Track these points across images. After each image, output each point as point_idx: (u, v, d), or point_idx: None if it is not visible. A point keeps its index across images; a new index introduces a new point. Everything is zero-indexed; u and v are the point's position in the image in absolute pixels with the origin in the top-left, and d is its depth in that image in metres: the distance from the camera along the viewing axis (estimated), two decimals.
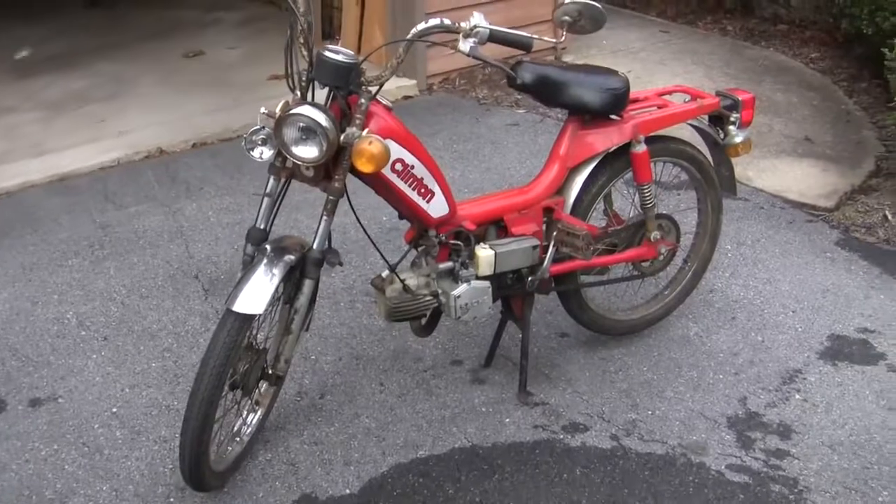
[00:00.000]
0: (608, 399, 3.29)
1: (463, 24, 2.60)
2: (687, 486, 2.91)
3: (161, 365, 3.48)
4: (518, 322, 3.29)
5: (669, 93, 3.39)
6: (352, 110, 2.61)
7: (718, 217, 3.56)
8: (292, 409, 3.24)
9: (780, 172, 5.03)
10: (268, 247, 2.68)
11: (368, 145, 2.50)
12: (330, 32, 6.89)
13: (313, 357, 3.52)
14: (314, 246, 2.69)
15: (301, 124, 2.52)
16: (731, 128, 3.32)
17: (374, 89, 2.63)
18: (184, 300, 3.88)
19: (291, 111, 2.53)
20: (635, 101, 3.27)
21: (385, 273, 2.98)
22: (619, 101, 3.05)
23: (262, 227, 2.73)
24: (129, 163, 5.16)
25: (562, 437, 3.12)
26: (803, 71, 6.52)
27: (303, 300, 2.72)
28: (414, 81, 6.25)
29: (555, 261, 3.16)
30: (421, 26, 2.63)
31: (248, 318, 2.56)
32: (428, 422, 3.19)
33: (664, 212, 3.47)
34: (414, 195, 2.80)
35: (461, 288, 2.97)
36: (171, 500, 2.87)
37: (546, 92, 3.04)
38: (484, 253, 2.97)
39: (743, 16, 7.63)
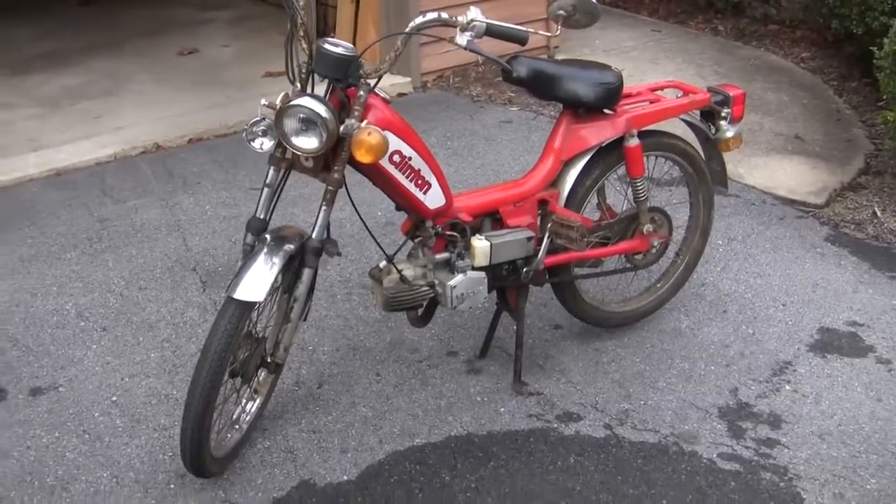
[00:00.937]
0: (601, 389, 3.34)
1: (460, 18, 2.65)
2: (679, 473, 2.96)
3: (160, 355, 3.52)
4: (513, 313, 3.33)
5: (662, 88, 3.45)
6: (351, 102, 2.66)
7: (710, 211, 3.61)
8: (290, 399, 3.28)
9: (770, 169, 5.09)
10: (268, 236, 2.72)
11: (367, 136, 2.55)
12: (325, 30, 6.94)
13: (311, 348, 3.56)
14: (313, 235, 2.73)
15: (301, 115, 2.57)
16: (723, 123, 3.38)
17: (372, 82, 2.67)
18: (182, 292, 3.92)
19: (292, 102, 2.57)
20: (628, 95, 3.32)
21: (382, 264, 3.03)
22: (612, 95, 3.11)
23: (262, 216, 2.77)
24: (126, 158, 5.20)
25: (556, 425, 3.17)
26: (794, 70, 6.59)
27: (302, 289, 2.77)
28: (408, 79, 6.30)
29: (549, 252, 3.21)
30: (419, 20, 2.68)
31: (248, 306, 2.61)
32: (424, 411, 3.23)
33: (656, 205, 3.52)
34: (411, 186, 2.84)
35: (457, 278, 3.01)
36: (172, 486, 2.91)
37: (541, 86, 3.09)
38: (480, 244, 3.02)
39: (734, 16, 7.69)
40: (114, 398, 3.30)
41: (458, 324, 3.68)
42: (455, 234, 3.02)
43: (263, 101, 2.70)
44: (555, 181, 3.21)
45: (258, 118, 2.71)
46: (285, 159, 2.74)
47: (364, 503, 2.85)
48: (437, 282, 3.05)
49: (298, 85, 2.69)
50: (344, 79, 2.62)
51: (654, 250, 3.47)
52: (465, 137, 5.51)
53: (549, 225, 3.15)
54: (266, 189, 2.77)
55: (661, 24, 7.62)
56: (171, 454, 3.01)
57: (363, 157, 2.56)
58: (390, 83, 6.21)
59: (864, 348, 3.59)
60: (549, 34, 2.79)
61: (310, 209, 4.34)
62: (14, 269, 4.10)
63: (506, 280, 3.21)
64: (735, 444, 3.09)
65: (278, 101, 2.65)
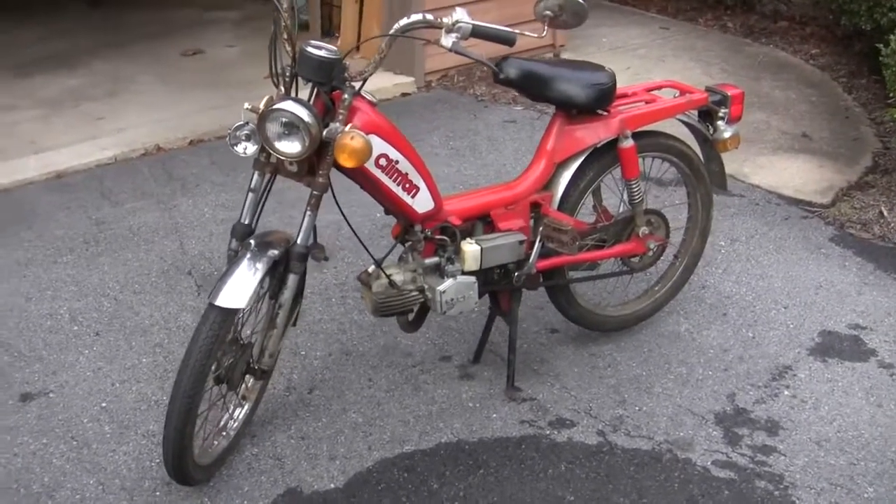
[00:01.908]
0: (596, 395, 3.29)
1: (445, 20, 2.60)
2: (672, 481, 2.91)
3: (152, 360, 3.49)
4: (506, 317, 3.29)
5: (658, 88, 3.39)
6: (335, 106, 2.62)
7: (709, 212, 3.56)
8: (280, 404, 3.25)
9: (776, 169, 5.03)
10: (252, 242, 2.69)
11: (350, 140, 2.50)
12: (329, 30, 6.90)
13: (303, 352, 3.53)
14: (298, 241, 2.69)
15: (283, 119, 2.53)
16: (720, 123, 3.32)
17: (357, 85, 2.63)
18: (176, 296, 3.89)
19: (274, 106, 2.54)
20: (623, 96, 3.27)
21: (371, 268, 2.98)
22: (605, 96, 3.05)
23: (246, 222, 2.74)
24: (126, 160, 5.17)
25: (548, 432, 3.12)
26: (802, 67, 6.51)
27: (287, 295, 2.73)
28: (412, 79, 6.26)
29: (542, 256, 3.16)
30: (403, 21, 2.64)
31: (230, 313, 2.57)
32: (415, 417, 3.19)
33: (653, 207, 3.46)
34: (398, 190, 2.80)
35: (447, 283, 2.97)
36: (158, 493, 2.87)
37: (532, 87, 3.04)
38: (470, 248, 2.97)
39: (743, 12, 7.62)
40: (103, 404, 3.27)
41: (452, 328, 3.64)
42: (445, 238, 2.97)
43: (246, 105, 2.66)
44: (548, 184, 3.16)
45: (242, 122, 2.67)
46: (270, 163, 2.70)
47: None
48: (426, 286, 3.00)
49: (282, 88, 2.65)
50: (327, 82, 2.58)
51: (650, 253, 3.42)
52: (467, 137, 5.47)
53: (540, 228, 3.10)
54: (250, 194, 2.74)
55: (669, 21, 7.55)
56: (158, 461, 2.97)
57: (346, 161, 2.52)
58: (393, 83, 6.18)
59: (865, 352, 3.53)
60: (535, 35, 2.73)
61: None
62: (10, 273, 4.08)
63: (498, 284, 3.17)
64: (730, 451, 3.04)
65: (262, 105, 2.61)
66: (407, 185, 2.81)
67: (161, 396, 3.28)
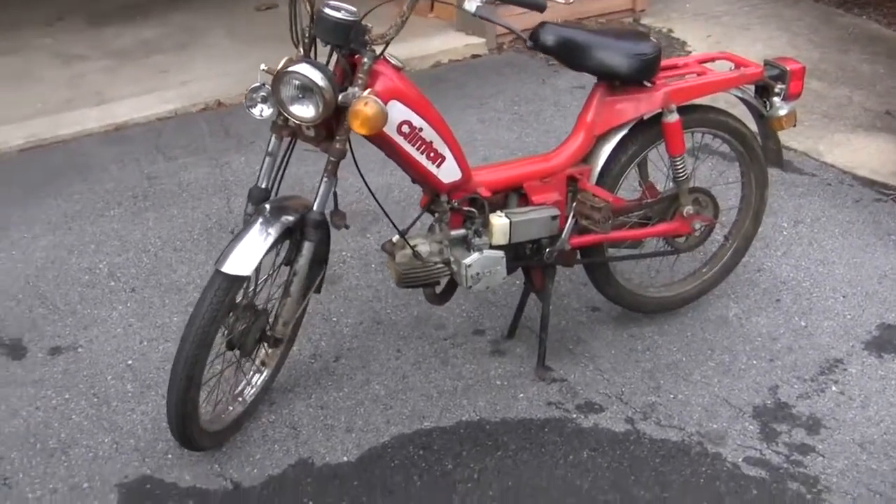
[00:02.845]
0: (630, 379, 3.15)
1: None
2: (698, 476, 2.76)
3: (182, 319, 3.44)
4: (538, 294, 3.16)
5: (711, 60, 3.20)
6: (355, 70, 2.51)
7: (763, 192, 3.36)
8: (304, 372, 3.19)
9: (853, 147, 4.76)
10: (267, 206, 2.61)
11: (363, 107, 2.39)
12: None
13: (334, 319, 3.46)
14: (314, 207, 2.61)
15: (296, 82, 2.44)
16: (776, 99, 3.12)
17: (378, 48, 2.52)
18: (216, 255, 3.81)
19: (289, 69, 2.44)
20: (673, 67, 3.09)
21: (396, 238, 2.89)
22: (648, 67, 2.88)
23: (263, 185, 2.66)
24: (186, 114, 5.16)
25: (574, 416, 2.99)
26: (895, 41, 6.16)
27: (302, 262, 2.64)
28: (483, 40, 6.11)
29: (578, 232, 3.02)
30: None
31: (236, 280, 2.50)
32: (439, 392, 3.10)
33: (701, 186, 3.29)
34: (422, 159, 2.69)
35: (473, 256, 2.85)
36: (169, 456, 2.84)
37: (570, 55, 2.89)
38: (499, 221, 2.85)
39: None
40: (129, 362, 3.25)
41: (490, 300, 3.53)
42: (473, 209, 2.85)
43: (263, 66, 2.57)
44: (587, 157, 3.01)
45: (258, 84, 2.59)
46: (287, 127, 2.61)
47: (359, 487, 2.73)
48: (452, 259, 2.89)
49: (301, 50, 2.55)
50: (345, 44, 2.47)
51: (696, 234, 3.24)
52: (533, 102, 5.31)
53: (574, 204, 2.96)
54: (268, 158, 2.66)
55: None
56: None
57: (359, 128, 2.41)
58: (464, 44, 6.04)
59: None
60: (561, 1, 2.58)
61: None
62: (56, 225, 4.09)
63: (529, 260, 3.04)
64: (765, 447, 2.87)
65: (280, 66, 2.52)
66: (432, 154, 2.70)
67: None
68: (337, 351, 3.29)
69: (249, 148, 4.73)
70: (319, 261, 2.82)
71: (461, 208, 2.84)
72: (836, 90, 5.34)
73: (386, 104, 2.52)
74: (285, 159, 2.71)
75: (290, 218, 2.59)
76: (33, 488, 2.74)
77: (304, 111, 2.47)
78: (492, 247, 2.87)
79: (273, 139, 2.64)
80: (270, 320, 2.78)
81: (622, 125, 2.97)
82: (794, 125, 3.17)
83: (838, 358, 3.26)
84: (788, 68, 3.12)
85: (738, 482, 2.74)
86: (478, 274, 2.86)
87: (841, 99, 5.25)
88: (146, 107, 5.17)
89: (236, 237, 2.53)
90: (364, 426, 2.96)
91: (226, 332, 2.66)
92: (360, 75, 2.48)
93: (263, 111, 2.60)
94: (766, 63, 3.18)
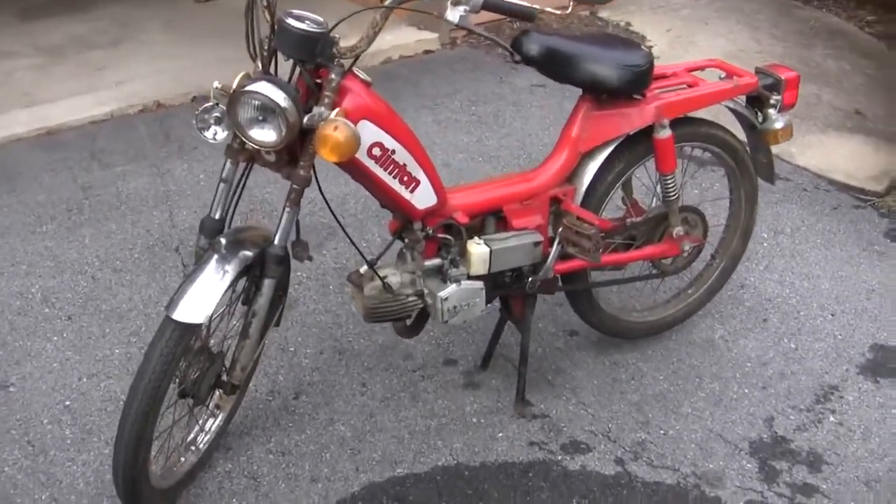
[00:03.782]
0: (616, 413, 2.92)
1: None
2: None
3: (125, 351, 3.15)
4: (518, 324, 2.91)
5: (701, 68, 2.97)
6: (321, 87, 2.23)
7: (753, 209, 3.15)
8: (262, 411, 2.91)
9: (826, 149, 4.58)
10: (223, 240, 2.32)
11: (333, 131, 2.12)
12: None
13: (292, 349, 3.18)
14: (275, 241, 2.32)
15: (256, 103, 2.15)
16: (771, 111, 2.90)
17: (348, 63, 2.24)
18: (160, 276, 3.54)
19: (246, 87, 2.15)
20: (662, 77, 2.86)
21: (363, 269, 2.61)
22: (639, 79, 2.64)
23: (216, 216, 2.37)
24: (123, 116, 4.81)
25: (560, 458, 2.76)
26: (857, 35, 6.01)
27: (262, 302, 2.37)
28: (436, 35, 5.83)
29: (561, 257, 2.77)
30: None
31: (189, 328, 2.21)
32: (411, 433, 2.84)
33: (690, 204, 3.06)
34: (395, 184, 2.42)
35: (449, 289, 2.59)
36: None
37: (554, 67, 2.64)
38: (477, 250, 2.59)
39: None
40: (67, 402, 2.95)
41: (460, 326, 3.27)
42: (449, 237, 2.59)
43: (216, 84, 2.28)
44: (571, 176, 2.76)
45: (211, 103, 2.29)
46: (244, 151, 2.32)
47: None
48: (426, 291, 2.63)
49: (259, 64, 2.27)
50: (311, 59, 2.19)
51: (685, 255, 3.02)
52: (491, 102, 5.06)
53: (560, 229, 2.71)
54: (222, 185, 2.36)
55: None
56: None
57: (328, 155, 2.14)
58: (415, 39, 5.76)
59: None
60: (557, 11, 2.33)
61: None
62: None
63: (509, 289, 2.79)
64: (766, 489, 2.66)
65: (235, 83, 2.23)
66: (405, 178, 2.43)
67: None
68: (297, 386, 3.01)
69: (192, 154, 4.41)
70: (281, 292, 2.54)
71: (436, 235, 2.58)
72: (804, 87, 5.07)
73: (356, 124, 2.25)
74: (240, 185, 2.42)
75: (249, 253, 2.30)
76: None
77: (265, 135, 2.19)
78: (470, 277, 2.62)
79: (228, 164, 2.35)
80: (227, 364, 2.49)
81: (609, 141, 2.73)
82: (791, 137, 2.95)
83: (833, 384, 3.07)
84: (783, 77, 2.91)
85: None
86: (455, 307, 2.60)
87: (809, 97, 5.06)
88: (80, 109, 4.82)
89: (188, 278, 2.24)
90: (331, 474, 2.69)
91: (177, 380, 2.37)
92: (328, 93, 2.21)
93: (217, 134, 2.31)
94: (758, 71, 2.96)
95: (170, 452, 2.55)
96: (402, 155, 2.39)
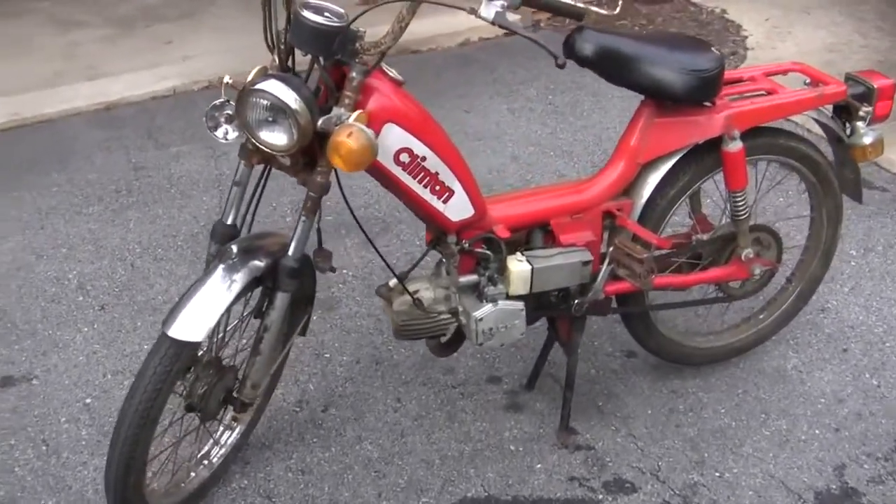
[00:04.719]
0: (669, 450, 2.66)
1: None
2: None
3: None
4: (564, 346, 2.67)
5: (783, 73, 2.67)
6: (342, 86, 2.01)
7: (836, 229, 2.84)
8: (287, 422, 2.73)
9: None
10: (234, 248, 2.13)
11: (347, 137, 1.90)
12: None
13: (327, 355, 2.99)
14: (290, 252, 2.12)
15: (264, 102, 1.94)
16: (860, 124, 2.58)
17: (371, 59, 2.01)
18: (200, 267, 3.31)
19: (255, 85, 1.95)
20: (737, 81, 2.57)
21: (393, 282, 2.40)
22: (707, 85, 2.36)
23: (229, 222, 2.18)
24: (185, 93, 4.68)
25: (601, 497, 2.51)
26: None
27: (274, 317, 2.17)
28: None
29: (613, 277, 2.51)
30: None
31: (186, 346, 2.02)
32: (442, 457, 2.63)
33: (764, 223, 2.77)
34: (425, 193, 2.19)
35: (486, 308, 2.36)
36: None
37: (612, 69, 2.37)
38: (518, 267, 2.36)
39: None
40: (88, 400, 2.81)
41: None
42: (487, 252, 2.36)
43: (226, 79, 2.08)
44: (628, 189, 2.50)
45: (222, 100, 2.10)
46: (258, 152, 2.12)
47: None
48: (461, 309, 2.40)
49: (276, 58, 2.06)
50: (328, 55, 1.97)
51: (755, 278, 2.73)
52: (570, 91, 4.78)
53: (610, 249, 2.45)
54: (235, 188, 2.17)
55: None
56: None
57: (340, 164, 1.92)
58: None
59: None
60: (605, 12, 2.07)
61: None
62: (28, 224, 3.64)
63: (555, 309, 2.54)
64: None
65: (249, 78, 2.02)
66: (437, 187, 2.20)
67: None
68: (327, 397, 2.82)
69: None
70: (305, 301, 2.35)
71: (473, 249, 2.35)
72: None
73: (381, 128, 2.04)
74: (258, 190, 2.22)
75: (260, 264, 2.11)
76: None
77: (275, 138, 1.98)
78: (509, 297, 2.38)
79: (241, 166, 2.15)
80: (240, 377, 2.31)
81: (672, 153, 2.45)
82: (882, 154, 2.63)
83: None
84: (876, 85, 2.59)
85: None
86: (491, 329, 2.37)
87: None
88: (142, 84, 4.70)
89: (190, 289, 2.06)
90: (351, 499, 2.50)
91: (184, 393, 2.20)
92: (348, 93, 1.99)
93: (228, 133, 2.12)
94: (848, 78, 2.64)
95: (176, 469, 2.38)
96: (433, 162, 2.16)
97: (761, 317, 2.94)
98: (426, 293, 2.40)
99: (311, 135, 1.96)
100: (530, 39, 2.00)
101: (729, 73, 2.52)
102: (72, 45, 5.17)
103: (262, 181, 2.21)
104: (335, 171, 2.06)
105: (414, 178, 2.16)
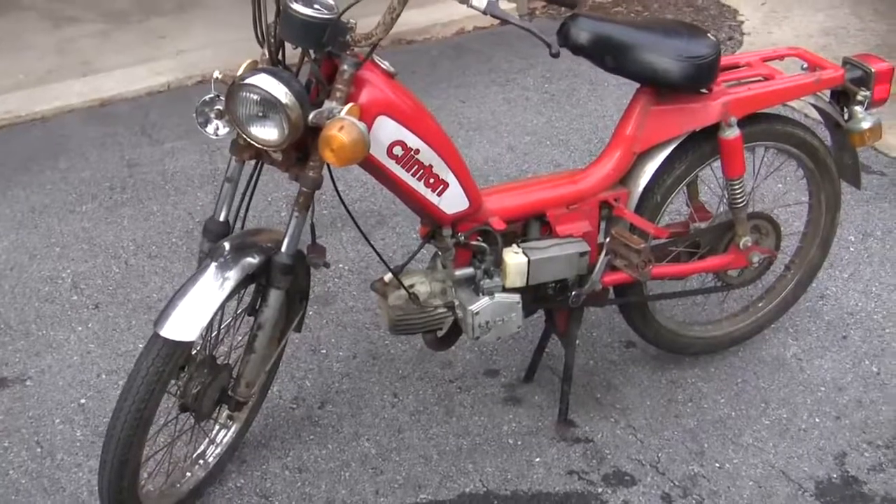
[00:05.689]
0: (668, 441, 2.64)
1: None
2: None
3: None
4: (562, 338, 2.64)
5: (780, 58, 2.64)
6: (332, 79, 1.98)
7: (834, 216, 2.81)
8: (283, 420, 2.71)
9: None
10: (226, 245, 2.11)
11: (338, 131, 1.87)
12: None
13: (324, 351, 2.97)
14: (283, 249, 2.09)
15: (254, 97, 1.92)
16: (858, 108, 2.56)
17: (361, 51, 1.99)
18: (195, 265, 3.33)
19: (245, 80, 1.92)
20: (733, 67, 2.54)
21: (388, 276, 2.37)
22: (704, 72, 2.33)
23: (221, 218, 2.16)
24: (180, 88, 4.65)
25: (600, 490, 2.49)
26: None
27: (268, 314, 2.15)
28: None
29: (610, 268, 2.49)
30: None
31: (179, 345, 2.00)
32: (440, 452, 2.60)
33: (762, 211, 2.75)
34: (419, 186, 2.17)
35: (482, 302, 2.34)
36: None
37: (607, 57, 2.34)
38: (514, 260, 2.33)
39: None
40: (82, 400, 2.79)
41: None
42: (483, 244, 2.33)
43: (216, 74, 2.06)
44: (624, 178, 2.47)
45: (212, 95, 2.07)
46: (250, 147, 2.09)
47: None
48: (457, 303, 2.38)
49: (267, 52, 2.03)
50: (318, 48, 1.95)
51: (754, 267, 2.70)
52: (566, 79, 4.75)
53: (608, 240, 2.43)
54: (227, 184, 2.15)
55: None
56: None
57: (331, 158, 1.89)
58: None
59: None
60: None
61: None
62: (21, 223, 3.62)
63: (551, 302, 2.52)
64: None
65: (239, 73, 2.00)
66: (431, 180, 2.18)
67: None
68: (324, 394, 2.80)
69: None
70: (300, 297, 2.33)
71: (468, 242, 2.32)
72: None
73: (374, 121, 2.01)
74: (251, 186, 2.19)
75: (253, 261, 2.08)
76: None
77: (266, 133, 1.96)
78: (505, 289, 2.36)
79: (233, 162, 2.12)
80: (234, 375, 2.29)
81: (669, 141, 2.43)
82: (880, 138, 2.60)
83: None
84: (874, 69, 2.56)
85: None
86: (487, 323, 2.35)
87: None
88: (136, 79, 4.67)
89: (182, 288, 2.03)
90: (348, 497, 2.48)
91: (178, 393, 2.18)
92: (339, 86, 1.96)
93: (219, 129, 2.10)
94: (846, 62, 2.61)
95: (171, 469, 2.36)
96: (427, 155, 2.14)
97: (760, 305, 2.92)
98: (422, 287, 2.38)
99: (302, 129, 1.94)
100: (524, 28, 1.97)
101: (725, 59, 2.50)
102: (65, 41, 5.14)
103: (255, 177, 2.19)
104: (327, 165, 2.03)
105: (408, 171, 2.13)
